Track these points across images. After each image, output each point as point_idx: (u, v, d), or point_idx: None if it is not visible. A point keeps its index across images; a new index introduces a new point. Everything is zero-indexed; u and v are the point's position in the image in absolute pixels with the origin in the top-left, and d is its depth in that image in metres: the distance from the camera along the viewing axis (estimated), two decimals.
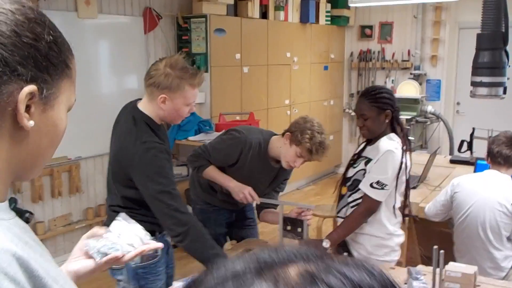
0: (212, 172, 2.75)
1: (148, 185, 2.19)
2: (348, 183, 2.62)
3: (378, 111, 2.47)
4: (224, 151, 2.74)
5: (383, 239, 2.60)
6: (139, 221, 2.23)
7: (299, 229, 2.59)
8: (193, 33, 5.38)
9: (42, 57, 0.76)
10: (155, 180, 2.18)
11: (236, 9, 5.77)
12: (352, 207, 2.60)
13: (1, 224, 0.74)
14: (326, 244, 2.46)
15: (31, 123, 0.75)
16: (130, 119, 2.25)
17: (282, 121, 6.51)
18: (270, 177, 2.86)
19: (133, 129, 2.22)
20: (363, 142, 2.70)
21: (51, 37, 0.77)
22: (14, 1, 0.77)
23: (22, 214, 4.01)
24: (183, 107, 2.22)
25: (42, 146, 0.81)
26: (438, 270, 1.97)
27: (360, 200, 2.56)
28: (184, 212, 2.22)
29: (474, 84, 1.89)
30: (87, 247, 1.17)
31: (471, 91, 1.93)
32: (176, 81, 2.16)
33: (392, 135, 2.54)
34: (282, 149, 2.63)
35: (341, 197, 2.71)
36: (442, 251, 1.90)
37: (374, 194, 2.48)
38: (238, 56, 5.67)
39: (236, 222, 3.06)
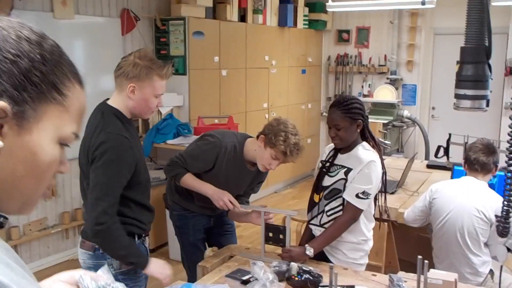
0: (190, 180, 2.73)
1: (97, 172, 2.13)
2: (326, 192, 2.62)
3: (351, 121, 2.51)
4: (201, 157, 2.72)
5: (359, 244, 2.64)
6: (124, 224, 2.22)
7: (281, 236, 2.59)
8: (172, 36, 5.34)
9: (21, 74, 0.71)
10: (105, 171, 2.12)
11: (215, 12, 5.75)
12: (329, 215, 2.61)
13: None
14: (309, 252, 2.47)
15: (0, 143, 0.70)
16: (98, 114, 2.21)
17: (260, 124, 6.49)
18: (247, 180, 2.86)
19: (100, 121, 2.19)
20: (332, 150, 2.71)
21: (38, 57, 0.73)
22: (16, 20, 0.75)
23: None
24: (151, 97, 2.21)
25: (17, 174, 0.74)
26: (422, 278, 1.99)
27: (338, 209, 2.59)
28: (110, 214, 2.13)
29: (458, 96, 1.92)
30: (81, 281, 1.09)
31: (454, 103, 1.96)
32: (145, 71, 2.16)
33: (365, 143, 2.60)
34: (258, 152, 2.64)
35: (313, 204, 2.71)
36: (426, 262, 1.92)
37: (359, 203, 2.51)
38: (216, 59, 5.65)
39: (215, 228, 3.04)
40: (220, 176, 2.73)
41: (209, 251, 2.75)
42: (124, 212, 2.23)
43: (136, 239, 2.34)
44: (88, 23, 4.78)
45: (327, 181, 2.64)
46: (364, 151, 2.56)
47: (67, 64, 0.79)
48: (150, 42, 5.46)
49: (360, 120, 2.53)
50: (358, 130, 2.56)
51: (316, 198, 2.69)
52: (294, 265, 2.32)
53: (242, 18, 6.11)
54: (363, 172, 2.50)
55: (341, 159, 2.62)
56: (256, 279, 2.26)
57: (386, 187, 2.71)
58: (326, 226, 2.63)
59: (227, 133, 2.90)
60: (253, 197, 5.94)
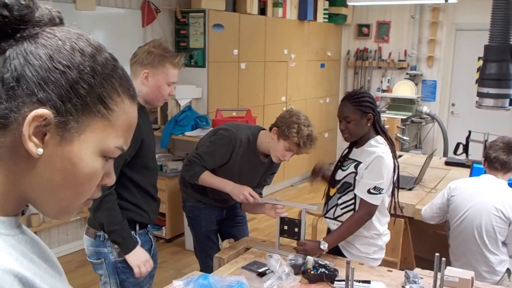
0: (208, 178, 2.76)
1: None
2: (338, 186, 2.64)
3: (361, 114, 2.51)
4: (218, 152, 2.74)
5: (372, 239, 2.63)
6: (125, 209, 2.22)
7: (296, 229, 2.60)
8: (191, 28, 5.36)
9: (68, 85, 0.72)
10: None
11: (235, 5, 5.75)
12: (342, 208, 2.62)
13: (6, 241, 0.73)
14: (323, 246, 2.48)
15: (40, 150, 0.71)
16: None
17: None
18: (260, 172, 2.88)
19: None
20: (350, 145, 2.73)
21: (88, 69, 0.74)
22: (75, 32, 0.77)
23: None
24: (164, 85, 2.28)
25: (55, 182, 0.75)
26: (439, 275, 1.99)
27: (350, 202, 2.60)
28: (112, 193, 2.18)
29: (480, 95, 1.90)
30: None
31: (476, 102, 1.94)
32: (158, 58, 2.25)
33: (379, 137, 2.59)
34: (271, 144, 2.67)
35: (328, 198, 2.73)
36: (443, 259, 1.91)
37: (372, 199, 2.51)
38: (235, 52, 5.65)
39: (227, 220, 3.07)
40: (234, 169, 2.76)
41: (225, 243, 2.77)
42: (125, 196, 2.26)
43: (138, 228, 2.35)
44: (109, 14, 4.82)
45: (339, 175, 2.65)
46: (375, 145, 2.55)
47: (118, 78, 0.78)
48: (170, 34, 5.49)
49: (370, 114, 2.52)
50: (369, 124, 2.55)
51: (332, 191, 2.71)
52: (310, 259, 2.33)
53: (262, 11, 6.10)
54: (372, 167, 2.50)
55: (355, 153, 2.63)
56: (272, 271, 2.28)
57: (399, 183, 2.70)
58: (340, 219, 2.64)
59: (240, 126, 2.92)
60: (269, 190, 5.97)
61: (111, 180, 0.83)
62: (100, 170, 0.78)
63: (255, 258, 2.54)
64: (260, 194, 2.97)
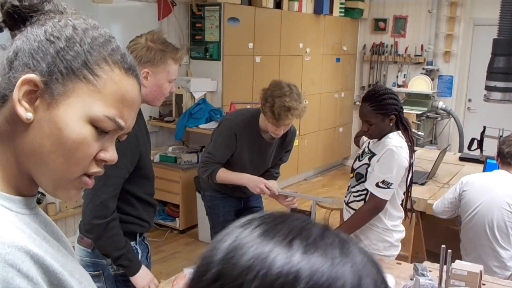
0: (224, 175, 2.78)
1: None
2: (354, 174, 2.66)
3: (382, 117, 2.47)
4: (224, 143, 2.76)
5: (381, 234, 2.60)
6: (127, 223, 2.06)
7: None
8: (207, 21, 5.38)
9: (55, 52, 0.76)
10: None
11: None
12: (355, 196, 2.64)
13: (21, 219, 0.76)
14: None
15: (29, 115, 0.75)
16: None
17: None
18: (270, 152, 2.88)
19: None
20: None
21: (77, 39, 0.78)
22: (78, 15, 0.82)
23: None
24: (165, 83, 2.10)
25: (44, 149, 0.76)
26: (445, 267, 1.99)
27: (360, 193, 2.60)
28: (109, 207, 2.01)
29: (488, 88, 1.90)
30: None
31: (484, 95, 1.95)
32: (159, 55, 2.05)
33: (396, 132, 2.55)
34: (265, 121, 2.68)
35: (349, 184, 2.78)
36: (450, 251, 1.92)
37: (380, 193, 2.48)
38: (251, 45, 5.67)
39: (244, 211, 3.10)
40: (243, 156, 2.78)
41: None
42: (127, 210, 2.12)
43: (138, 237, 2.23)
44: (126, 7, 4.87)
45: (356, 164, 2.67)
46: (392, 138, 2.51)
47: (110, 49, 0.80)
48: (186, 27, 5.52)
49: (393, 115, 2.48)
50: (391, 124, 2.52)
51: (351, 175, 2.74)
52: None
53: (278, 4, 6.10)
54: (383, 160, 2.48)
55: (374, 146, 2.62)
56: None
57: (413, 178, 2.66)
58: (350, 205, 2.66)
59: (240, 111, 2.98)
60: (283, 183, 5.99)
61: (109, 156, 0.82)
62: (90, 139, 0.78)
63: None
64: (277, 173, 3.02)
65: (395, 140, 2.50)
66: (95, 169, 0.81)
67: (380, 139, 2.57)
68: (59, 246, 0.84)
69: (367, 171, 2.56)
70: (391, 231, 2.61)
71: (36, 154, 0.77)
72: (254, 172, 2.86)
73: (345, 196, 2.75)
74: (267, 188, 2.67)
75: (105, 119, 0.78)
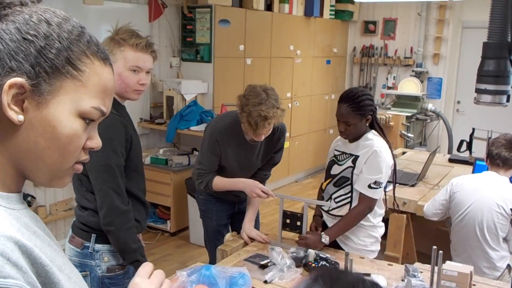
0: (220, 183, 2.78)
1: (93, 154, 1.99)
2: (334, 179, 2.68)
3: (360, 117, 2.54)
4: (209, 150, 2.75)
5: (369, 231, 2.68)
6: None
7: (298, 223, 2.63)
8: (198, 23, 5.39)
9: (36, 52, 0.76)
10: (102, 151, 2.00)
11: (241, 1, 5.77)
12: (337, 202, 2.67)
13: (11, 213, 0.78)
14: (325, 240, 2.51)
15: (20, 117, 0.76)
16: None
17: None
18: (256, 152, 2.84)
19: None
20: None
21: (55, 36, 0.78)
22: (42, 7, 0.81)
23: (25, 198, 4.04)
24: (125, 71, 2.00)
25: (39, 147, 0.79)
26: (436, 268, 2.01)
27: (345, 196, 2.65)
28: (122, 194, 2.01)
29: (478, 91, 1.93)
30: None
31: (475, 98, 1.97)
32: (114, 42, 2.00)
33: (373, 131, 2.63)
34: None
35: (321, 191, 2.81)
36: (441, 252, 1.94)
37: (373, 193, 2.56)
38: (241, 47, 5.68)
39: (238, 214, 3.08)
40: (231, 159, 2.78)
41: (228, 236, 2.81)
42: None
43: None
44: (117, 9, 4.85)
45: (335, 169, 2.69)
46: (372, 138, 2.59)
47: (86, 42, 0.82)
48: (177, 29, 5.52)
49: (370, 115, 2.56)
50: (367, 124, 2.60)
51: (323, 185, 2.77)
52: (312, 252, 2.36)
53: (269, 7, 6.12)
54: (371, 162, 2.54)
55: (350, 147, 2.66)
56: (274, 264, 2.31)
57: (396, 178, 2.76)
58: (333, 213, 2.70)
59: (222, 116, 2.96)
60: (273, 185, 5.99)
61: (95, 143, 0.86)
62: (81, 131, 0.82)
63: (258, 250, 2.58)
64: (266, 176, 2.97)
65: (376, 140, 2.58)
66: (84, 156, 0.85)
67: (355, 139, 2.63)
68: (50, 241, 0.85)
69: (352, 173, 2.59)
70: (376, 227, 2.72)
71: (32, 152, 0.79)
72: (244, 174, 2.86)
73: (321, 205, 2.78)
74: (263, 192, 2.67)
75: (92, 111, 0.82)
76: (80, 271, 2.06)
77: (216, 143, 2.72)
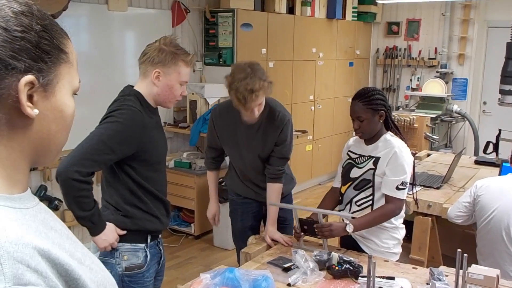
0: (208, 178, 3.12)
1: (90, 135, 2.06)
2: (355, 183, 2.66)
3: (372, 112, 2.56)
4: (208, 129, 2.96)
5: (391, 232, 2.66)
6: (136, 218, 2.16)
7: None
8: (220, 28, 5.42)
9: (34, 47, 0.78)
10: (106, 129, 2.06)
11: (263, 4, 5.79)
12: (358, 205, 2.66)
13: (26, 214, 0.78)
14: (349, 228, 2.48)
15: (36, 111, 0.79)
16: (119, 94, 2.21)
17: (306, 117, 6.54)
18: (254, 135, 2.78)
19: (118, 99, 2.17)
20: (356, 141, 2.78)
21: (39, 26, 0.80)
22: None
23: (52, 202, 4.13)
24: (176, 84, 2.18)
25: (52, 132, 0.84)
26: (461, 272, 1.99)
27: (367, 199, 2.63)
28: (87, 166, 2.00)
29: (502, 92, 1.90)
30: None
31: (499, 99, 1.95)
32: (170, 56, 2.14)
33: (390, 133, 2.65)
34: None
35: (340, 195, 2.77)
36: (465, 255, 1.92)
37: (401, 194, 2.55)
38: (264, 50, 5.70)
39: (265, 218, 2.98)
40: (229, 141, 2.85)
41: (252, 239, 2.82)
42: (136, 203, 2.18)
43: (150, 240, 2.25)
44: (140, 14, 4.93)
45: (355, 172, 2.67)
46: (390, 139, 2.60)
47: (55, 23, 0.85)
48: (199, 33, 5.57)
49: (382, 111, 2.57)
50: (381, 121, 2.60)
51: (343, 189, 2.73)
52: (335, 255, 2.36)
53: (291, 10, 6.13)
54: (394, 163, 2.53)
55: (367, 150, 2.65)
56: (297, 267, 2.31)
57: (415, 180, 2.80)
58: (354, 216, 2.63)
59: (224, 101, 3.07)
60: (297, 188, 5.99)
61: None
62: (74, 106, 0.89)
63: (281, 253, 2.58)
64: (279, 171, 2.81)
65: (395, 141, 2.60)
66: None
67: (372, 141, 2.63)
68: (68, 234, 0.87)
69: (374, 176, 2.58)
70: (398, 228, 2.70)
71: (45, 139, 0.84)
72: (249, 163, 2.83)
73: (343, 208, 2.74)
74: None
75: (79, 85, 0.90)
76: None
77: (212, 121, 2.87)
